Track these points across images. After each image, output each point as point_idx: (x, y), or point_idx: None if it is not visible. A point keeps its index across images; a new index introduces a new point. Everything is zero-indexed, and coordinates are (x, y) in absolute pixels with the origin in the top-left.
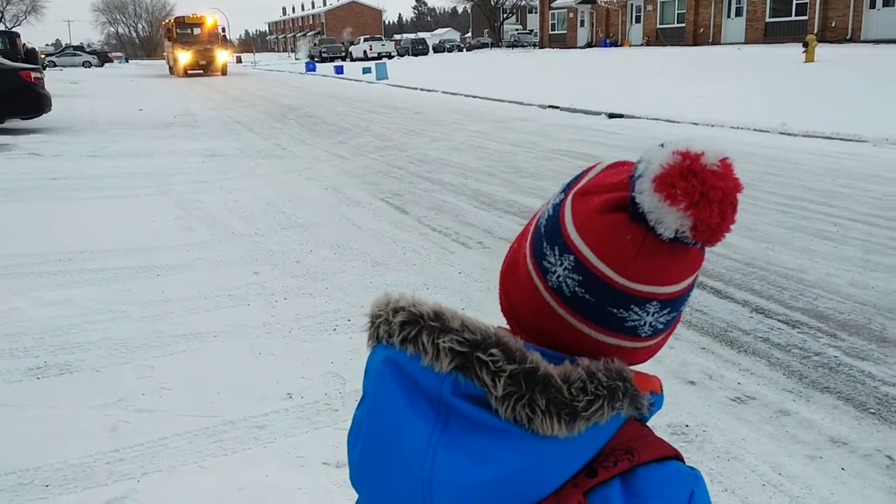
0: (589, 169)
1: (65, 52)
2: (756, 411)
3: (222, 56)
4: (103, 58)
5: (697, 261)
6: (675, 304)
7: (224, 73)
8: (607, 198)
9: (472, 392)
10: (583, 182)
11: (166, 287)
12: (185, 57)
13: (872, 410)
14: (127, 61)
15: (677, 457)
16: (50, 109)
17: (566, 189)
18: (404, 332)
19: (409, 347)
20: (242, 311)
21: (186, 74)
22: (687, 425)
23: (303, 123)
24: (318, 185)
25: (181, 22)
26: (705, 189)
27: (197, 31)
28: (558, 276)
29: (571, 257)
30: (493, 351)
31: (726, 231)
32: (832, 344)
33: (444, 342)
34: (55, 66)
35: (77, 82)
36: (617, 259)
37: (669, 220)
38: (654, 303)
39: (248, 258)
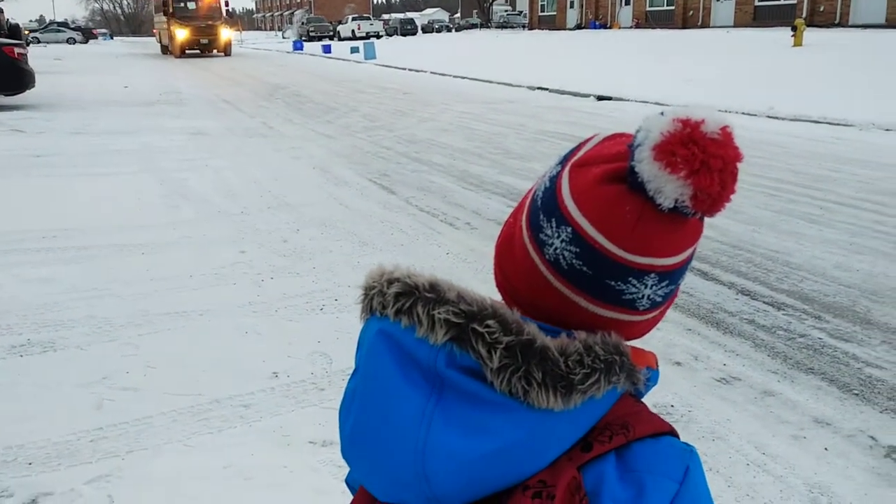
0: (587, 140)
1: (49, 29)
2: (741, 392)
3: (225, 33)
4: (87, 34)
5: (696, 232)
6: (673, 276)
7: (227, 52)
8: (606, 168)
9: (467, 364)
10: (580, 153)
11: (151, 265)
12: (182, 34)
13: (856, 391)
14: (111, 38)
15: (672, 432)
16: (34, 86)
17: (563, 161)
18: (399, 303)
19: (404, 319)
20: (228, 289)
21: (184, 54)
22: (672, 405)
23: (290, 103)
24: (305, 164)
25: None
26: (706, 157)
27: (195, 4)
28: (555, 249)
29: (569, 229)
30: (490, 322)
31: (726, 201)
32: (817, 326)
33: (439, 313)
34: (39, 42)
35: (61, 59)
36: (615, 230)
37: (669, 189)
38: (653, 275)
39: (235, 237)
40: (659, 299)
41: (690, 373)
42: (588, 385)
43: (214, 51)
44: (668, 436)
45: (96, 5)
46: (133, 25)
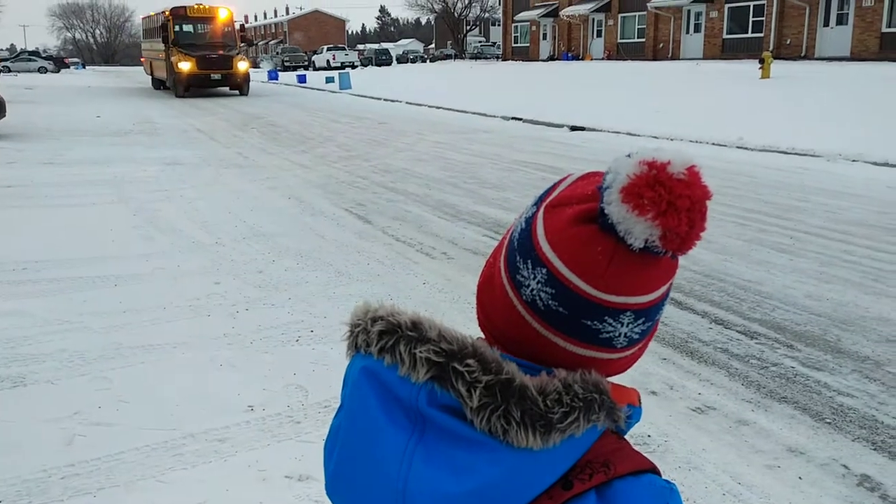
0: (561, 180)
1: (20, 57)
2: (716, 421)
3: (243, 66)
4: (59, 63)
5: (670, 270)
6: (649, 314)
7: (244, 90)
8: (578, 209)
9: (447, 403)
10: (554, 194)
11: (124, 297)
12: (187, 66)
13: (828, 420)
14: (84, 67)
15: (654, 470)
16: (4, 115)
17: (538, 202)
18: (382, 341)
19: (387, 357)
20: (203, 321)
21: (188, 91)
22: (649, 435)
23: (265, 132)
24: (280, 194)
25: (181, 15)
26: (672, 198)
27: (205, 27)
28: (532, 290)
29: (544, 270)
30: (469, 362)
31: (696, 239)
32: (789, 355)
33: (420, 352)
34: (10, 71)
35: (32, 88)
36: (589, 271)
37: (638, 230)
38: (629, 313)
39: (209, 268)
40: (636, 336)
41: (666, 402)
42: (567, 424)
43: (228, 87)
44: (650, 473)
45: (68, 34)
46: (106, 55)
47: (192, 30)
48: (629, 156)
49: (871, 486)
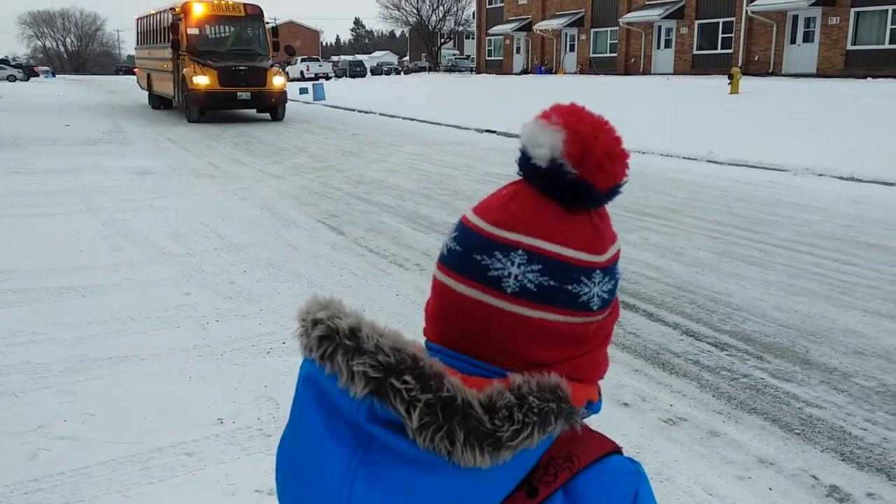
0: None
1: None
2: (687, 432)
3: (278, 81)
4: (29, 72)
5: (586, 237)
6: (546, 263)
7: (280, 114)
8: (506, 187)
9: (390, 418)
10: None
11: (92, 308)
12: (204, 81)
13: (797, 431)
14: (54, 75)
15: (617, 450)
16: None
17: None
18: (322, 347)
19: (327, 366)
20: (172, 333)
21: (203, 113)
22: (621, 446)
23: (238, 143)
24: (253, 205)
25: (197, 13)
26: (580, 111)
27: (229, 30)
28: (445, 244)
29: (458, 222)
30: (407, 378)
31: (603, 163)
32: (759, 366)
33: (356, 366)
34: None
35: (1, 96)
36: (489, 208)
37: (543, 134)
38: (520, 252)
39: (179, 279)
40: (531, 286)
41: (638, 414)
42: (519, 441)
43: (256, 110)
44: (614, 455)
45: (38, 43)
46: (76, 63)
47: (211, 32)
48: None
49: (840, 496)
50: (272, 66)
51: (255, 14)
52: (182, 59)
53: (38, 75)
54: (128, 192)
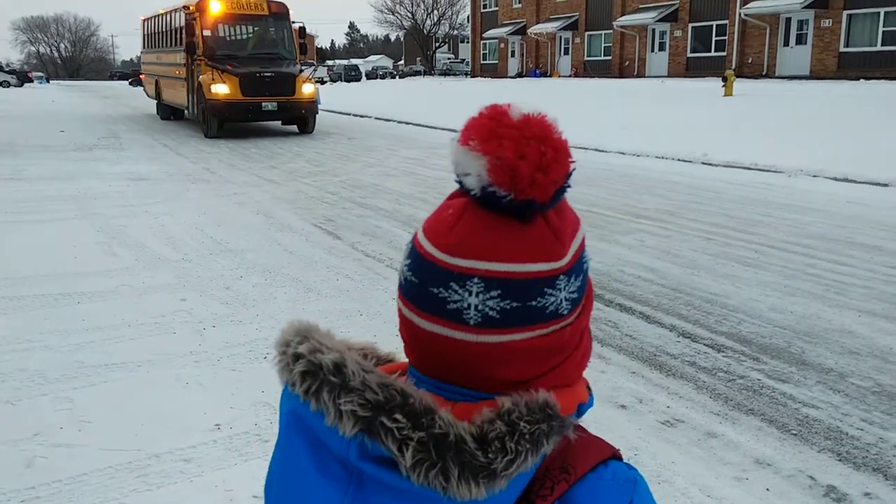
0: None
1: None
2: (685, 434)
3: (308, 89)
4: (23, 77)
5: (540, 246)
6: (506, 287)
7: (309, 126)
8: (452, 202)
9: (382, 454)
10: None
11: (87, 315)
12: (224, 90)
13: (794, 432)
14: (48, 81)
15: (615, 455)
16: None
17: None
18: (306, 383)
19: (312, 402)
20: (168, 339)
21: (222, 125)
22: (619, 449)
23: (233, 147)
24: (248, 209)
25: (215, 11)
26: (498, 126)
27: (251, 31)
28: (402, 270)
29: (410, 246)
30: (398, 416)
31: (536, 179)
32: (755, 367)
33: (344, 405)
34: None
35: None
36: (438, 232)
37: (467, 163)
38: (476, 280)
39: (175, 284)
40: (492, 313)
41: (635, 416)
42: (514, 469)
43: (281, 121)
44: (612, 461)
45: (32, 48)
46: (70, 69)
47: (231, 34)
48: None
49: (837, 496)
50: (301, 71)
51: (281, 13)
52: (198, 64)
53: (31, 81)
54: (123, 198)
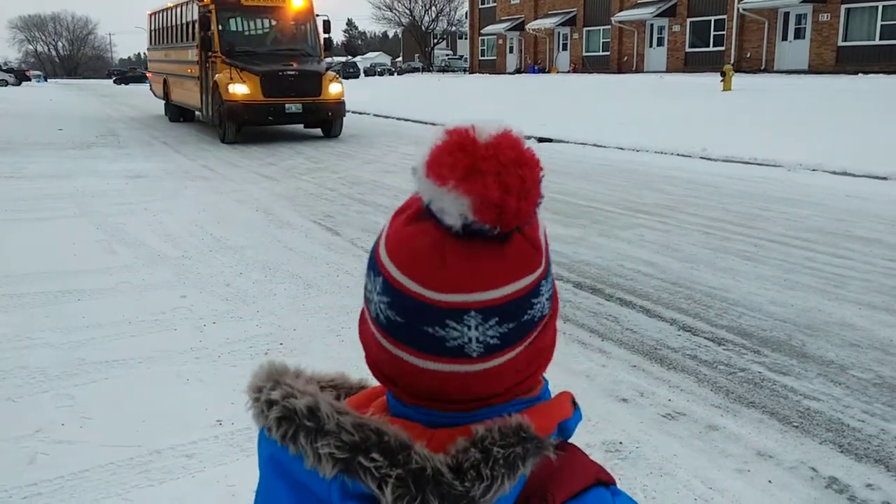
0: None
1: None
2: (686, 427)
3: (335, 89)
4: (20, 76)
5: (525, 262)
6: (504, 313)
7: (335, 129)
8: (413, 209)
9: (363, 492)
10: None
11: (88, 312)
12: (244, 89)
13: (795, 424)
14: (46, 80)
15: (600, 482)
16: None
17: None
18: (282, 428)
19: (291, 447)
20: (169, 335)
21: (240, 129)
22: (621, 442)
23: (232, 144)
24: (248, 206)
25: (232, 3)
26: (474, 161)
27: (271, 24)
28: (375, 303)
29: (381, 279)
30: (374, 455)
31: (519, 206)
32: (756, 360)
33: (321, 447)
34: None
35: None
36: (419, 269)
37: (447, 203)
38: (473, 314)
39: (175, 281)
40: (494, 341)
41: (637, 409)
42: (492, 494)
43: (304, 125)
44: (595, 488)
45: (30, 47)
46: (68, 67)
47: (249, 28)
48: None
49: (839, 488)
50: (327, 69)
51: (304, 4)
52: (213, 61)
53: (29, 80)
54: (122, 196)
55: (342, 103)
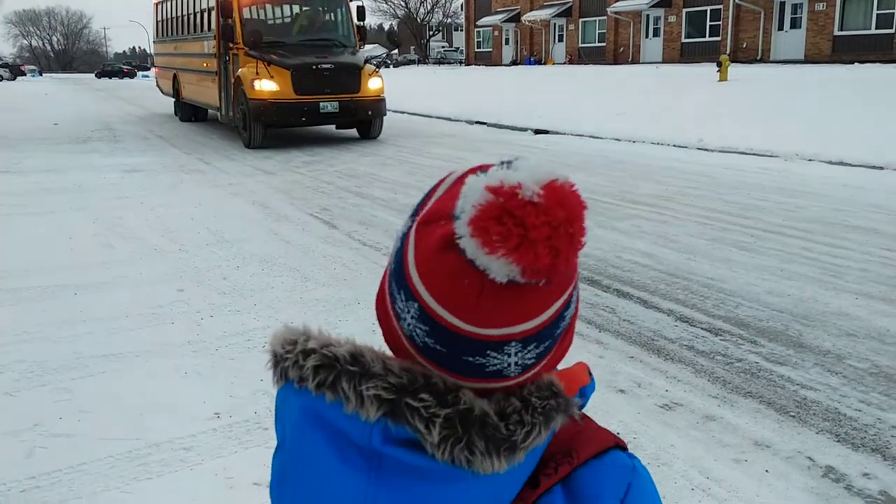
0: (441, 182)
1: None
2: (683, 417)
3: (374, 84)
4: (15, 71)
5: (561, 287)
6: (540, 337)
7: (374, 130)
8: (444, 231)
9: (404, 436)
10: (429, 204)
11: (85, 306)
12: (273, 86)
13: (792, 413)
14: (41, 74)
15: (618, 445)
16: None
17: (416, 211)
18: (319, 376)
19: (328, 394)
20: (166, 329)
21: (267, 131)
22: (618, 433)
23: (228, 137)
24: (244, 200)
25: None
26: (525, 230)
27: (303, 11)
28: (409, 324)
29: (416, 305)
30: (424, 395)
31: (567, 264)
32: (753, 350)
33: (367, 389)
34: None
35: None
36: (460, 305)
37: (495, 267)
38: (513, 344)
39: (172, 275)
40: (530, 361)
41: (634, 400)
42: (531, 441)
43: (337, 125)
44: (614, 450)
45: (25, 42)
46: (63, 62)
47: (275, 16)
48: (479, 175)
49: (835, 477)
50: (366, 61)
51: None
52: (234, 54)
53: (24, 74)
54: (118, 190)
55: (383, 101)
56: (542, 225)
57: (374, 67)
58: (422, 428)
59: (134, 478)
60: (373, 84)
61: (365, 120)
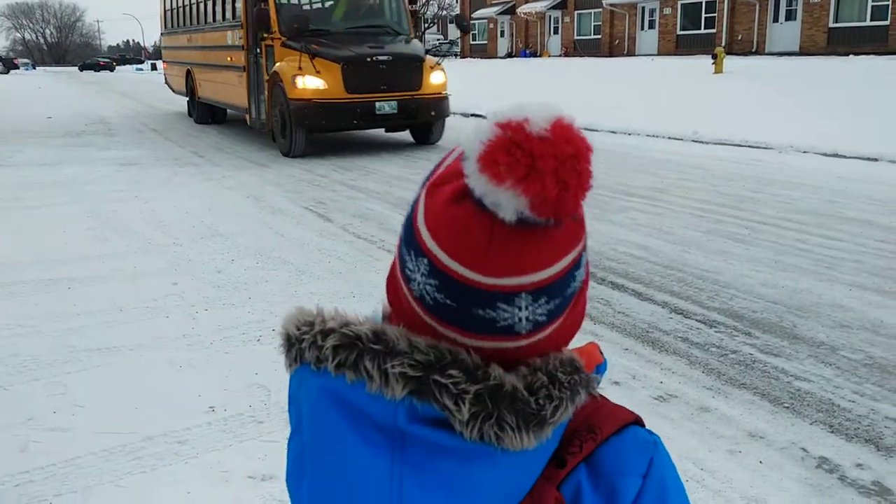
0: (449, 153)
1: None
2: (678, 409)
3: (437, 78)
4: (8, 64)
5: (570, 239)
6: (551, 291)
7: (435, 132)
8: (453, 187)
9: (430, 415)
10: (438, 171)
11: (79, 300)
12: (319, 83)
13: (786, 405)
14: (34, 67)
15: (637, 421)
16: None
17: (426, 181)
18: (339, 356)
19: (349, 374)
20: (161, 323)
21: (313, 133)
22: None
23: (222, 130)
24: (238, 193)
25: None
26: (532, 160)
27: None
28: (419, 284)
29: (425, 261)
30: (452, 372)
31: (576, 200)
32: (747, 342)
33: (392, 367)
34: None
35: None
36: (469, 255)
37: (504, 201)
38: (524, 295)
39: (166, 269)
40: (542, 318)
41: (629, 392)
42: (559, 416)
43: (393, 128)
44: (633, 426)
45: (18, 35)
46: (56, 55)
47: (332, 9)
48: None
49: (829, 468)
50: (426, 52)
51: None
52: (269, 45)
53: (17, 68)
54: (112, 183)
55: (446, 99)
56: (548, 157)
57: (436, 60)
58: (450, 405)
59: (128, 472)
60: (435, 79)
61: (426, 122)
